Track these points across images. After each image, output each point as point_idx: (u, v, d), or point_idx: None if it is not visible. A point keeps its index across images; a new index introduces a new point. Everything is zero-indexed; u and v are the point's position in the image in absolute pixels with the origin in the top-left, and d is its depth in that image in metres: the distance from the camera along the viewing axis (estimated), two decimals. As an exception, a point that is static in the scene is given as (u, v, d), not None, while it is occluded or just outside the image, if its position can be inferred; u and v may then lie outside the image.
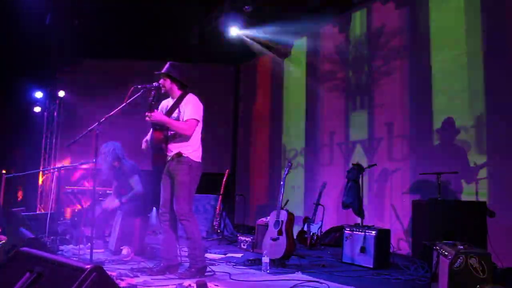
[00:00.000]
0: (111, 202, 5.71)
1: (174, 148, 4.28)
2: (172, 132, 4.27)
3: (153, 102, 4.18)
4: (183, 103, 4.33)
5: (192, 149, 4.29)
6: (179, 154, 4.26)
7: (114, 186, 5.93)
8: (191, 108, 4.26)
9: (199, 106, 4.34)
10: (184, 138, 4.25)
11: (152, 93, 4.18)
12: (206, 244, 6.64)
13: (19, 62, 8.37)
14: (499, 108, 5.31)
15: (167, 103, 4.50)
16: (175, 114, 4.32)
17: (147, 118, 4.13)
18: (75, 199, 6.73)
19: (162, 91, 4.36)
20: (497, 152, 5.27)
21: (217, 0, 8.23)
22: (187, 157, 4.26)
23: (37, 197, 9.08)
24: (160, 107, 4.49)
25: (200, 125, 4.36)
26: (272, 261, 4.86)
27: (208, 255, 5.61)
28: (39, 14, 7.96)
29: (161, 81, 4.34)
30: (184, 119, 4.25)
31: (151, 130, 4.34)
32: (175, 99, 4.40)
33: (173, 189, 4.31)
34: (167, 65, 4.39)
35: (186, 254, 4.41)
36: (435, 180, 5.23)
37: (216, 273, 4.46)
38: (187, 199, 4.24)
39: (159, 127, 4.25)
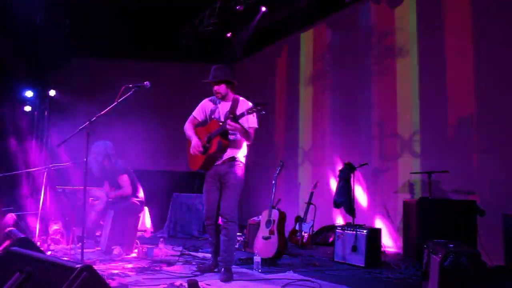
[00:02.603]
0: (101, 202, 5.68)
1: (229, 153, 4.29)
2: (232, 138, 4.27)
3: (235, 112, 4.16)
4: (239, 108, 4.27)
5: (243, 154, 4.40)
6: (233, 158, 4.30)
7: (105, 185, 5.90)
8: (253, 116, 4.22)
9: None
10: (239, 144, 4.32)
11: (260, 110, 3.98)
12: (198, 243, 6.63)
13: (8, 61, 8.29)
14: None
15: (215, 104, 4.44)
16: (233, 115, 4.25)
17: (228, 126, 4.04)
18: (66, 198, 6.68)
19: (219, 97, 4.39)
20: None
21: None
22: (241, 161, 4.35)
23: (27, 197, 9.01)
24: (208, 108, 4.46)
25: None
26: (263, 260, 4.86)
27: (199, 254, 5.62)
28: (30, 12, 7.90)
29: (216, 87, 4.35)
30: (247, 126, 4.24)
31: (209, 137, 4.24)
32: (229, 102, 4.38)
33: (222, 192, 4.33)
34: (221, 70, 4.37)
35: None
36: (426, 179, 5.26)
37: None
38: (238, 202, 4.32)
39: (226, 134, 4.22)
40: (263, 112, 3.92)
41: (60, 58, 9.28)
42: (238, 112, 4.17)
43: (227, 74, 4.39)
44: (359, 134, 7.16)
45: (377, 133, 6.86)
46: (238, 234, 6.46)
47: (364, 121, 7.10)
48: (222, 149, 4.21)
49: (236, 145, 4.32)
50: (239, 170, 4.32)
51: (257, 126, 4.32)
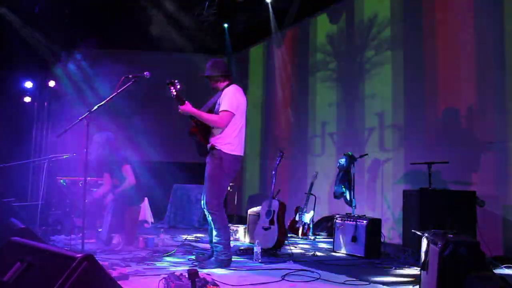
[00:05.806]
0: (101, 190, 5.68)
1: (210, 141, 4.30)
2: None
3: (177, 95, 4.17)
4: (222, 95, 4.34)
5: (224, 142, 4.25)
6: (212, 147, 4.27)
7: (105, 178, 5.90)
8: (226, 100, 4.25)
9: (236, 98, 4.30)
10: (218, 130, 4.27)
11: (172, 88, 4.14)
12: (198, 234, 6.65)
13: (8, 52, 8.27)
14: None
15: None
16: (216, 106, 4.35)
17: (179, 111, 4.19)
18: (66, 189, 6.68)
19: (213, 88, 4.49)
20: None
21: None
22: (220, 150, 4.24)
23: (28, 187, 9.04)
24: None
25: (238, 117, 4.31)
26: (264, 251, 4.88)
27: (200, 245, 5.64)
28: (29, 2, 7.87)
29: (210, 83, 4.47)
30: (219, 111, 4.25)
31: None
32: (219, 93, 4.43)
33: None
34: (207, 65, 4.47)
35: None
36: (426, 170, 5.26)
37: (208, 262, 4.47)
38: (216, 193, 4.25)
39: (196, 120, 4.27)
40: (172, 90, 4.12)
41: (60, 49, 9.26)
42: (219, 101, 4.32)
43: (208, 70, 4.45)
44: (360, 125, 7.14)
45: (377, 123, 6.84)
46: (235, 225, 6.49)
47: (364, 112, 7.08)
48: (191, 135, 4.31)
49: (215, 133, 4.30)
50: (217, 159, 4.23)
51: (226, 108, 4.22)
